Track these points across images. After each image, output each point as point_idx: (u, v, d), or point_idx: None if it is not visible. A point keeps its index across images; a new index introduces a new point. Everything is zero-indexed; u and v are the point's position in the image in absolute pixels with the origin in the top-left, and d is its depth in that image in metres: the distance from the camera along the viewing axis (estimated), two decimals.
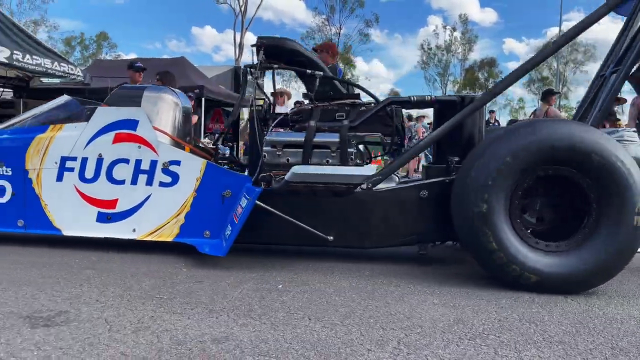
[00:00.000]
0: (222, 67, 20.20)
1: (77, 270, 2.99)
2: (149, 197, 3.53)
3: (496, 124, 9.10)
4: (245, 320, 2.20)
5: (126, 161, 3.55)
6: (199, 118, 8.55)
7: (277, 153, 3.43)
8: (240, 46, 35.96)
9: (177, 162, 3.52)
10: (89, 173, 3.58)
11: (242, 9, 37.11)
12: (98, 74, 13.46)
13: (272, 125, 3.62)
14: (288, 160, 3.42)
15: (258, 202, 3.15)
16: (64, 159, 3.61)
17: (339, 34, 41.48)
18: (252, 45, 3.63)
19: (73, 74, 12.25)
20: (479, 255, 2.88)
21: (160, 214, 3.52)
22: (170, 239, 3.49)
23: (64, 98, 4.19)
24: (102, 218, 3.55)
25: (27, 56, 10.85)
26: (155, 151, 3.53)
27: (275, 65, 3.66)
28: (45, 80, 11.73)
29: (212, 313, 2.29)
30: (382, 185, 3.28)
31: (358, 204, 3.29)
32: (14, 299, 2.41)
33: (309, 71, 3.63)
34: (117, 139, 3.56)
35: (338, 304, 2.48)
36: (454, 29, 44.88)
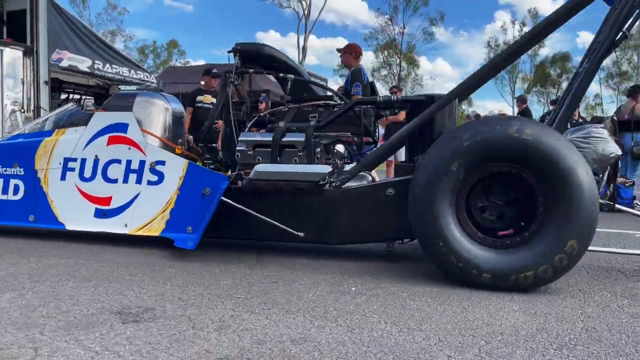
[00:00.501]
0: None
1: (160, 269, 3.14)
2: (138, 194, 3.79)
3: (580, 120, 8.84)
4: (321, 322, 2.23)
5: (118, 161, 3.86)
6: None
7: (249, 153, 3.63)
8: (304, 49, 36.44)
9: (163, 162, 3.77)
10: (87, 172, 3.92)
11: (306, 12, 37.53)
12: (170, 80, 14.09)
13: (249, 126, 3.84)
14: (259, 159, 3.61)
15: (225, 199, 3.39)
16: (66, 160, 3.98)
17: (403, 33, 40.97)
18: (229, 51, 3.89)
19: (148, 81, 12.86)
20: (427, 252, 2.95)
21: (149, 210, 3.74)
22: (157, 234, 3.69)
23: (69, 105, 4.56)
24: (99, 214, 3.86)
25: (107, 65, 11.51)
26: (143, 152, 3.81)
27: (251, 70, 3.92)
28: (123, 87, 12.40)
29: (288, 314, 2.33)
30: (351, 184, 3.39)
31: (327, 201, 3.38)
32: (105, 295, 2.56)
33: (281, 75, 3.86)
34: (111, 141, 3.89)
35: (413, 308, 2.45)
36: (524, 24, 43.11)
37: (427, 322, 2.25)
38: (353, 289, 2.77)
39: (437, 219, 2.83)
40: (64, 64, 10.38)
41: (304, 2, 37.36)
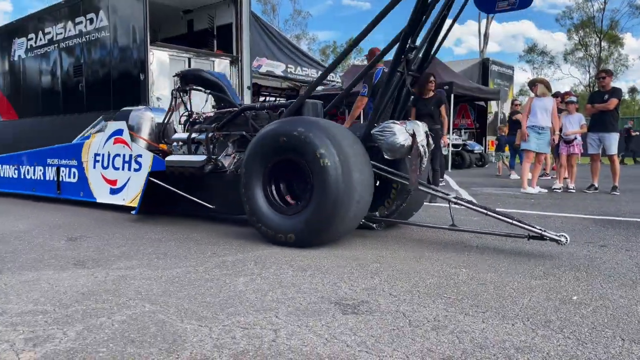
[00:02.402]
0: (469, 61, 19.75)
1: (366, 263, 3.27)
2: (130, 178, 5.46)
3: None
4: (544, 332, 2.09)
5: (119, 155, 5.61)
6: (448, 115, 8.50)
7: (178, 148, 5.23)
8: (485, 36, 34.69)
9: (141, 156, 5.40)
10: (105, 163, 5.75)
11: None
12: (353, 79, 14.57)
13: (189, 127, 5.19)
14: (184, 152, 5.07)
15: (152, 179, 4.93)
16: (95, 155, 5.91)
17: (603, 9, 36.37)
18: (173, 75, 5.51)
19: (333, 81, 13.46)
20: (248, 218, 4.02)
21: (135, 188, 5.34)
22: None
23: (100, 119, 6.65)
24: (112, 191, 5.67)
25: (298, 68, 12.35)
26: (130, 148, 5.50)
27: (188, 88, 5.32)
28: None
29: (505, 319, 2.24)
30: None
31: (228, 183, 4.54)
32: (322, 285, 2.76)
33: (206, 91, 5.26)
34: (115, 142, 5.67)
35: None
36: None
37: None
38: (574, 297, 2.54)
39: (248, 191, 3.93)
40: (263, 69, 11.44)
41: None
